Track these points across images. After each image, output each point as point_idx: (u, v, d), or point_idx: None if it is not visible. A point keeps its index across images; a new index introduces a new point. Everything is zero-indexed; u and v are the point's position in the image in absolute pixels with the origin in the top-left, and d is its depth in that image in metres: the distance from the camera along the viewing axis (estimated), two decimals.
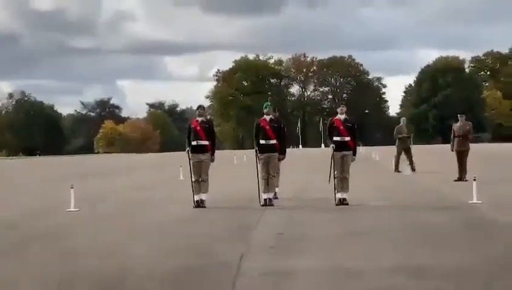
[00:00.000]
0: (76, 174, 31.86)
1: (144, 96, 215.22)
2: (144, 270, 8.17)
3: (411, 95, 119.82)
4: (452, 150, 21.41)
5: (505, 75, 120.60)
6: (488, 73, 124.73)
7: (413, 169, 25.81)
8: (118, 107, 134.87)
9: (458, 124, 21.46)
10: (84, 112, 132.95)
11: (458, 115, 21.80)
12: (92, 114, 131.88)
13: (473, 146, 22.10)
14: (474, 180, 14.80)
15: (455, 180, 20.53)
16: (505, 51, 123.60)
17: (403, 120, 27.63)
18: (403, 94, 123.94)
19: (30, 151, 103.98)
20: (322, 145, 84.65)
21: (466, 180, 19.68)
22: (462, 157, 21.07)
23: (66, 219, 13.48)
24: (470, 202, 14.46)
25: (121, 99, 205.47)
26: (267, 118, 15.32)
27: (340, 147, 14.87)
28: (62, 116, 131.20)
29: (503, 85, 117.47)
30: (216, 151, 15.32)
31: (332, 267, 8.11)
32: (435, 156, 33.67)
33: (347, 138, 14.92)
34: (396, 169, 26.28)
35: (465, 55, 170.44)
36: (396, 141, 26.85)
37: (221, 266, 8.30)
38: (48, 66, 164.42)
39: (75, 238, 11.04)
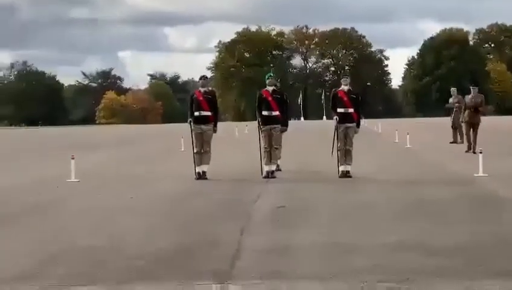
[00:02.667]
0: (79, 145, 31.66)
1: (145, 68, 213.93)
2: (141, 245, 7.98)
3: (414, 67, 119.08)
4: (463, 122, 21.15)
5: (510, 47, 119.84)
6: (492, 45, 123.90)
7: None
8: (119, 78, 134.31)
9: (470, 96, 21.03)
10: (85, 82, 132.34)
11: (471, 87, 21.29)
12: (94, 85, 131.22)
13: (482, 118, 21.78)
14: (481, 152, 14.60)
15: (466, 151, 20.32)
16: (509, 23, 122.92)
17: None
18: (405, 67, 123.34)
19: (32, 122, 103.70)
20: (324, 117, 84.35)
21: (475, 153, 19.24)
22: (472, 129, 20.73)
23: (66, 190, 13.37)
24: (475, 175, 14.25)
25: (121, 70, 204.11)
26: (270, 89, 15.06)
27: (343, 118, 14.62)
28: (63, 87, 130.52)
29: (507, 58, 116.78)
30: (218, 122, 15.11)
31: (334, 242, 7.91)
32: (439, 129, 33.41)
33: (351, 110, 14.67)
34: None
35: (467, 27, 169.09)
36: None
37: (222, 240, 8.11)
38: (47, 37, 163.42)
39: (71, 211, 10.86)
